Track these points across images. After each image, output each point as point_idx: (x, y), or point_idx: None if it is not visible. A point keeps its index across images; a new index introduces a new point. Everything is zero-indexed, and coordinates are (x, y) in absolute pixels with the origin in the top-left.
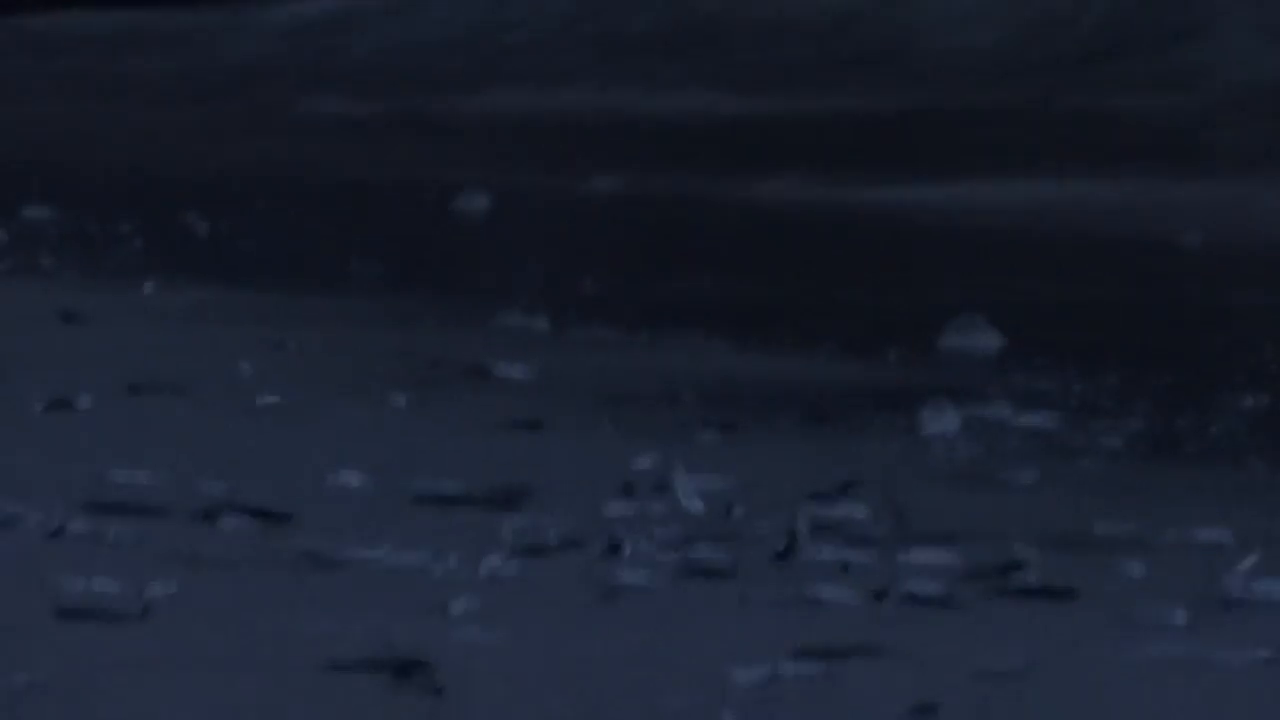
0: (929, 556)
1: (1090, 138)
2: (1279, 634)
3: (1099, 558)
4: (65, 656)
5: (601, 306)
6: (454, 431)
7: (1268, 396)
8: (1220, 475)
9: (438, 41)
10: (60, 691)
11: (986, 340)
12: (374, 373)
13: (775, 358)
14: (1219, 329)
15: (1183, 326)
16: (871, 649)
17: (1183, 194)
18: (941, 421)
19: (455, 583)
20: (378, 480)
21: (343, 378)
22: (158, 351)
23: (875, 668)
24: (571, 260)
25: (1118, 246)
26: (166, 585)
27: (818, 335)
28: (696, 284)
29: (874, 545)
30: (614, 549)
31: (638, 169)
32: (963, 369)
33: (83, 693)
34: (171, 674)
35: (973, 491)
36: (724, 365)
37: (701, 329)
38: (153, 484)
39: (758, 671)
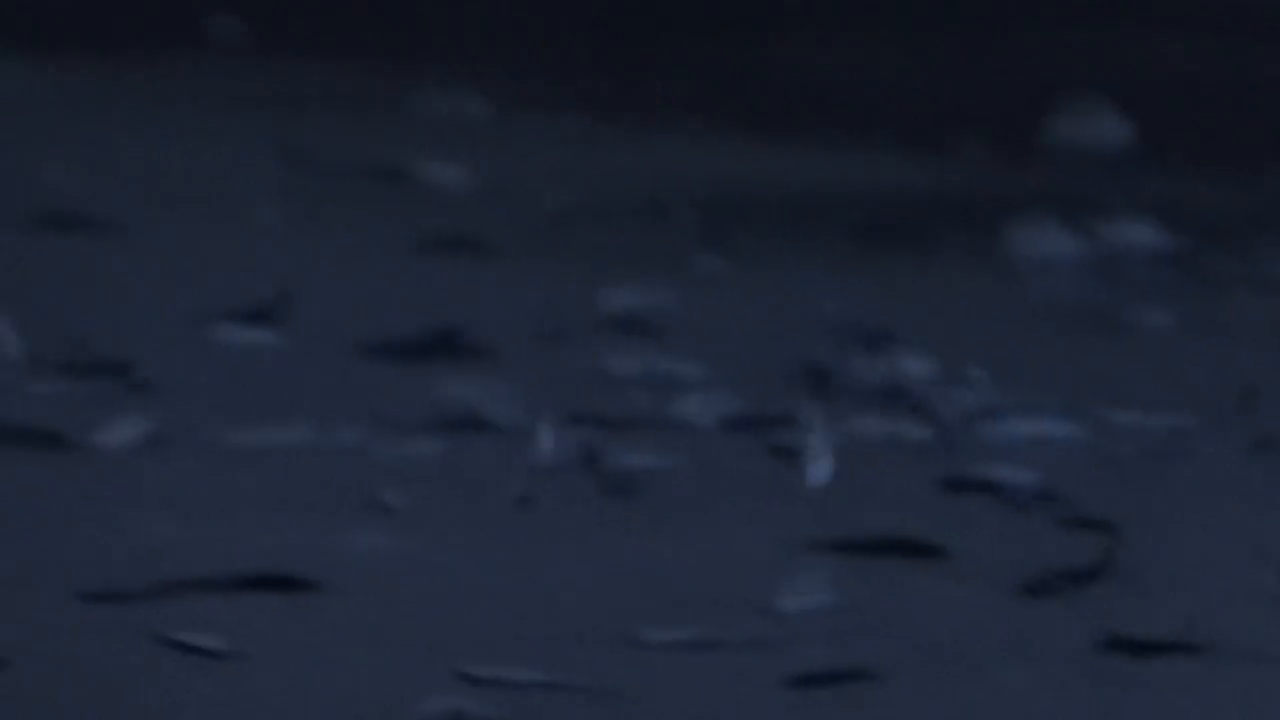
0: (1023, 428)
1: None
2: None
3: (1259, 423)
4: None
5: (564, 87)
6: (360, 259)
7: None
8: None
9: None
10: None
11: (1109, 132)
12: (254, 178)
13: (808, 155)
14: None
15: None
16: (937, 551)
17: None
18: (1042, 242)
19: (367, 471)
20: (262, 330)
21: (206, 184)
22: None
23: (945, 570)
24: (524, 28)
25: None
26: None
27: (873, 125)
28: (698, 56)
29: (939, 409)
30: (592, 449)
31: None
32: (1074, 172)
33: None
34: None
35: (1085, 338)
36: (733, 166)
37: (703, 116)
38: None
39: (801, 578)
